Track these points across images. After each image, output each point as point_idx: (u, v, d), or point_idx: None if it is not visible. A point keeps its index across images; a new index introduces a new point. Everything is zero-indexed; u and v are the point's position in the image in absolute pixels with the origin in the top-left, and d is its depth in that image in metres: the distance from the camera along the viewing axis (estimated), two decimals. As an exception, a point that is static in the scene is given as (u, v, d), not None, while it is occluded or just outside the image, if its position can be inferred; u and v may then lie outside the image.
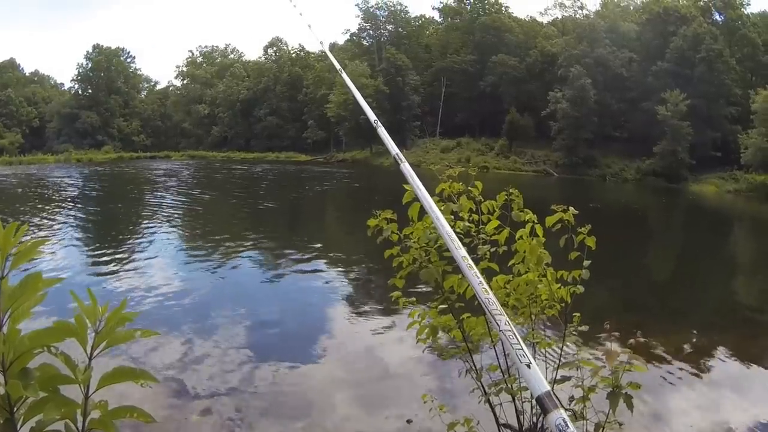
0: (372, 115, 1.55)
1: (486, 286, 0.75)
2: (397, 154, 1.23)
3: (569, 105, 59.17)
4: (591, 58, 61.93)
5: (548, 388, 0.63)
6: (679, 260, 18.08)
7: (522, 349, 0.66)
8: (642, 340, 4.97)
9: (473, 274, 0.77)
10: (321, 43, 2.75)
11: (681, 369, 7.43)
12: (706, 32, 57.49)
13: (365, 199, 30.25)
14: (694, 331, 9.67)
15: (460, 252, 0.77)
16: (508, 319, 0.70)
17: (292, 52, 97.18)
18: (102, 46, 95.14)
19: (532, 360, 0.65)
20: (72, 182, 39.46)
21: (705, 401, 6.70)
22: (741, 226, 31.46)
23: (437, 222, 0.92)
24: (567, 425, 0.61)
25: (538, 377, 0.64)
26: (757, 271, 16.63)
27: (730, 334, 9.62)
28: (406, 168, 1.21)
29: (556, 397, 0.63)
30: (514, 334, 0.67)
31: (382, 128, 1.45)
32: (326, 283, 12.29)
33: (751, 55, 61.03)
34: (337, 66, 2.11)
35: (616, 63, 62.82)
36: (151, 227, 19.39)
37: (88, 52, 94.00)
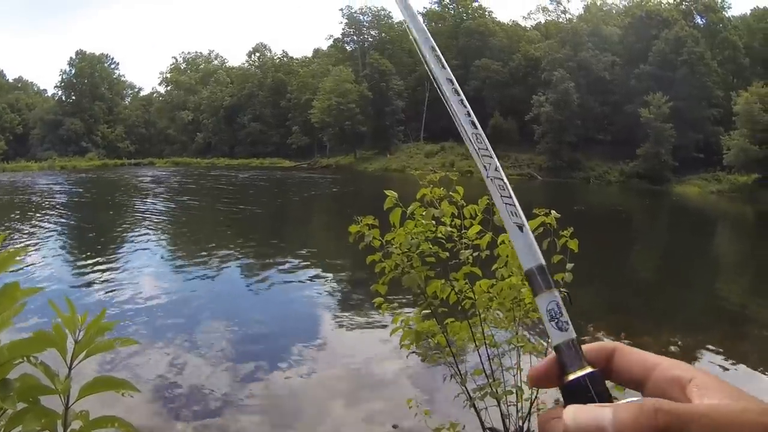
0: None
1: (469, 109, 0.63)
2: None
3: (552, 108, 59.49)
4: (574, 62, 62.29)
5: (542, 261, 0.53)
6: (664, 261, 18.19)
7: (514, 204, 0.57)
8: (627, 341, 5.00)
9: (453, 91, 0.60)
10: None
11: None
12: (688, 35, 58.02)
13: (349, 204, 30.21)
14: (680, 331, 9.74)
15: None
16: (498, 164, 0.60)
17: (275, 57, 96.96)
18: (85, 52, 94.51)
19: (525, 221, 0.56)
20: (58, 189, 39.14)
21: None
22: (724, 226, 31.72)
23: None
24: (561, 312, 0.53)
25: (530, 244, 0.55)
26: (741, 271, 16.79)
27: (715, 333, 9.70)
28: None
29: (551, 276, 0.54)
30: (506, 185, 0.57)
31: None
32: (312, 289, 12.26)
33: (733, 57, 61.63)
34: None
35: (599, 66, 63.16)
36: (137, 235, 19.28)
37: (71, 58, 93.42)
